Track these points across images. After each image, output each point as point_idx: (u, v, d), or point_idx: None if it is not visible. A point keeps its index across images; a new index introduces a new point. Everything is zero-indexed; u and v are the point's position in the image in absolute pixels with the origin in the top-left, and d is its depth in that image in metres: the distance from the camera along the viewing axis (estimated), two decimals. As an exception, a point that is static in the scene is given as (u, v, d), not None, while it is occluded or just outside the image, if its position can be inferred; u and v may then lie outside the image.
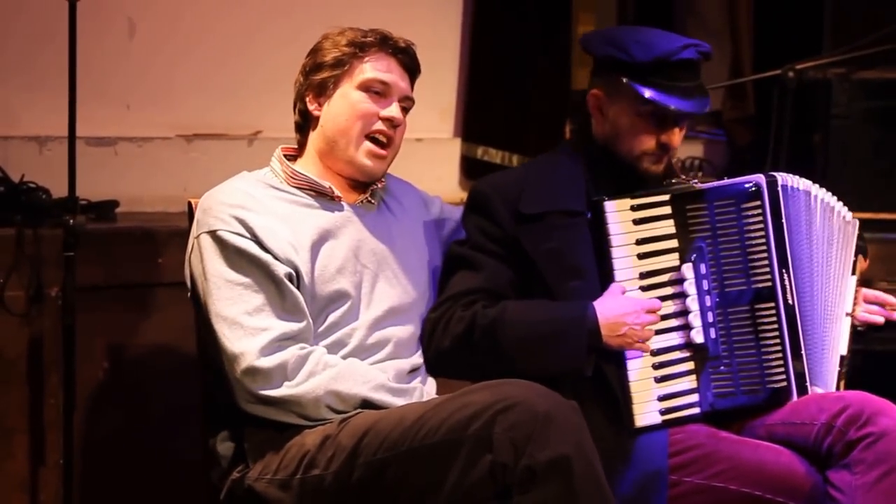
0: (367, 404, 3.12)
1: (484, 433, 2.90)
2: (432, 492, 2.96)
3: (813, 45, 4.91)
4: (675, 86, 3.29)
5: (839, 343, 3.43)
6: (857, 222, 3.49)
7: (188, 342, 3.43)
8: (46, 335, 3.88)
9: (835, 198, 3.45)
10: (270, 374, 3.06)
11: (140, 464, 4.00)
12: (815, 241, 3.40)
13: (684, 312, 3.29)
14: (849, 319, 3.46)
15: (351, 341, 3.19)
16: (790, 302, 3.33)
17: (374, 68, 3.27)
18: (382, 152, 3.28)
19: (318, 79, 3.27)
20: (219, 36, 4.63)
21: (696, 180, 3.37)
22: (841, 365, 3.44)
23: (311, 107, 3.29)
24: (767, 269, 3.31)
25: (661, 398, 3.25)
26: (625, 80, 3.30)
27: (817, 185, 3.43)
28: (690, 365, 3.29)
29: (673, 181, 3.37)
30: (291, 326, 3.11)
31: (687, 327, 3.29)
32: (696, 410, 3.27)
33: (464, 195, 3.51)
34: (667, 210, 3.30)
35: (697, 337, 3.28)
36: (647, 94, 3.27)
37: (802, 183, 3.41)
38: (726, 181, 3.38)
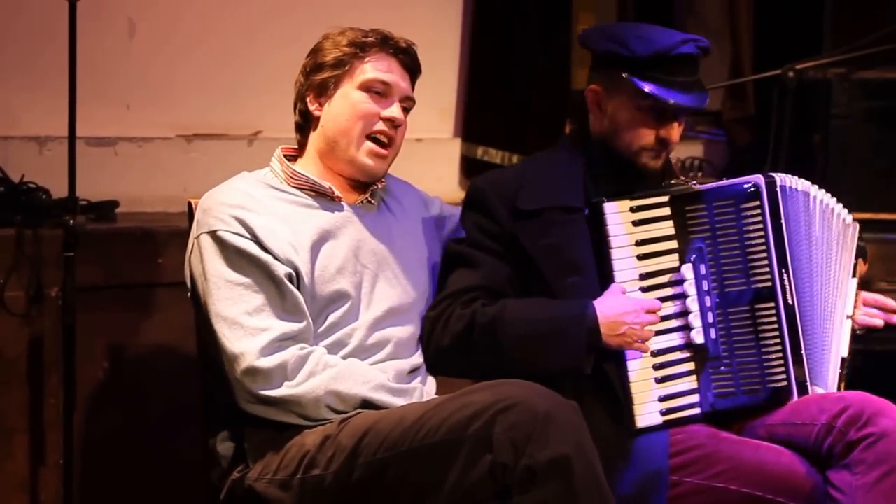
0: (367, 404, 3.12)
1: (484, 433, 2.90)
2: (432, 492, 2.96)
3: (813, 45, 4.92)
4: (674, 80, 3.29)
5: (840, 344, 3.43)
6: (858, 225, 3.49)
7: (188, 342, 3.43)
8: (46, 335, 3.88)
9: (834, 199, 3.45)
10: (270, 375, 3.06)
11: (140, 464, 4.00)
12: (815, 242, 3.40)
13: (684, 313, 3.29)
14: (850, 322, 3.46)
15: (351, 342, 3.19)
16: (790, 302, 3.33)
17: (374, 68, 3.27)
18: (384, 152, 3.28)
19: (318, 79, 3.27)
20: (219, 36, 4.63)
21: (694, 181, 3.37)
22: (842, 367, 3.44)
23: (312, 107, 3.29)
24: (767, 270, 3.31)
25: (662, 399, 3.25)
26: (624, 74, 3.30)
27: (816, 187, 3.43)
28: (691, 365, 3.29)
29: (672, 182, 3.37)
30: (291, 327, 3.11)
31: (687, 328, 3.29)
32: (697, 411, 3.27)
33: (464, 195, 3.51)
34: (666, 211, 3.30)
35: (698, 337, 3.28)
36: (647, 88, 3.28)
37: (801, 184, 3.41)
38: (725, 182, 3.38)
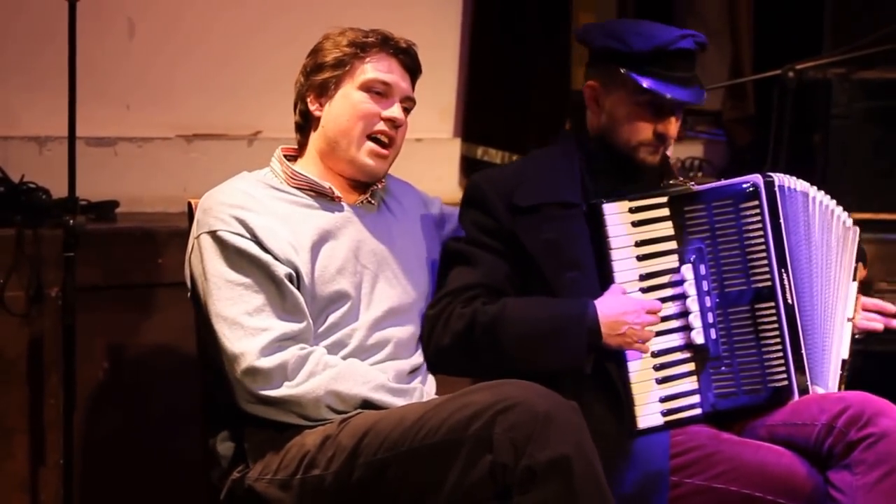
0: (367, 404, 3.12)
1: (484, 433, 2.90)
2: (432, 492, 2.96)
3: (813, 45, 4.91)
4: (672, 75, 3.29)
5: (840, 345, 3.43)
6: (858, 229, 3.49)
7: (188, 342, 3.43)
8: (46, 335, 3.87)
9: (834, 202, 3.45)
10: (270, 375, 3.06)
11: (140, 464, 4.00)
12: (814, 243, 3.40)
13: (684, 313, 3.29)
14: (850, 325, 3.46)
15: (351, 342, 3.19)
16: (790, 301, 3.33)
17: (375, 69, 3.27)
18: (384, 152, 3.28)
19: (319, 79, 3.27)
20: (219, 36, 4.63)
21: (693, 182, 3.38)
22: (842, 368, 3.44)
23: (313, 107, 3.29)
24: (767, 269, 3.31)
25: (663, 399, 3.25)
26: (622, 70, 3.31)
27: (815, 188, 3.44)
28: (691, 366, 3.29)
29: (670, 182, 3.38)
30: (292, 327, 3.11)
31: (687, 328, 3.29)
32: (698, 411, 3.27)
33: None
34: (665, 212, 3.30)
35: (698, 338, 3.28)
36: (646, 83, 3.28)
37: (800, 184, 3.41)
38: (723, 182, 3.38)
